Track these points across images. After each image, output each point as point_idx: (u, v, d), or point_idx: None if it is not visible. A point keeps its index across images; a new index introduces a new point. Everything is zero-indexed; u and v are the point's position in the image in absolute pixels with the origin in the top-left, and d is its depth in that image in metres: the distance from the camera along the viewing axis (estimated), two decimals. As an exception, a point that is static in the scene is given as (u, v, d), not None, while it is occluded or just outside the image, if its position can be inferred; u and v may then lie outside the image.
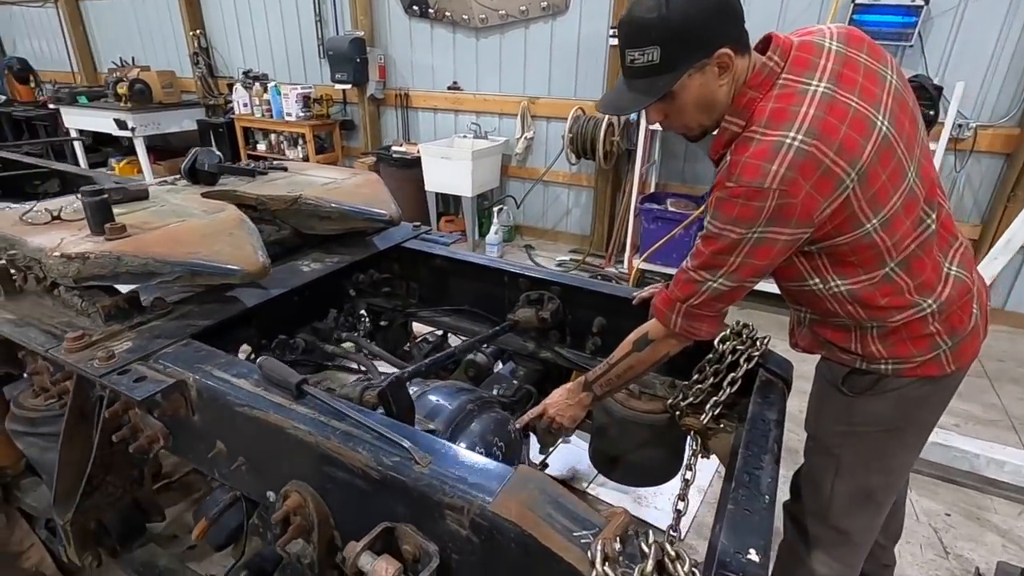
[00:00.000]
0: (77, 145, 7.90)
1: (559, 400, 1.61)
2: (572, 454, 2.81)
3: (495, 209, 5.65)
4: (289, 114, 6.42)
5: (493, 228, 5.49)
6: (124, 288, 1.54)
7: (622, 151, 5.05)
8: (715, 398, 1.61)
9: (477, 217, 5.76)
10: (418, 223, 2.33)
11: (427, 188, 5.63)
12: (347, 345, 1.94)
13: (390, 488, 1.03)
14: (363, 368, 1.79)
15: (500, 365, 2.26)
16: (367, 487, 1.07)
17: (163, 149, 8.06)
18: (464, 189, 5.41)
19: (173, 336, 1.42)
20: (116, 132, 7.09)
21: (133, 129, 6.95)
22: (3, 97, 8.89)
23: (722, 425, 1.65)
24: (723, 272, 1.22)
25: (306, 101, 6.37)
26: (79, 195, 1.42)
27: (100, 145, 8.52)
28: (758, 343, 1.64)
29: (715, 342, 1.64)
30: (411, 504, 1.01)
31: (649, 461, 1.85)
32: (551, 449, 2.71)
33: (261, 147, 7.01)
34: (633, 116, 4.67)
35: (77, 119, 7.56)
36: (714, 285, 1.24)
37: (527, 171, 5.86)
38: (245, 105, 6.78)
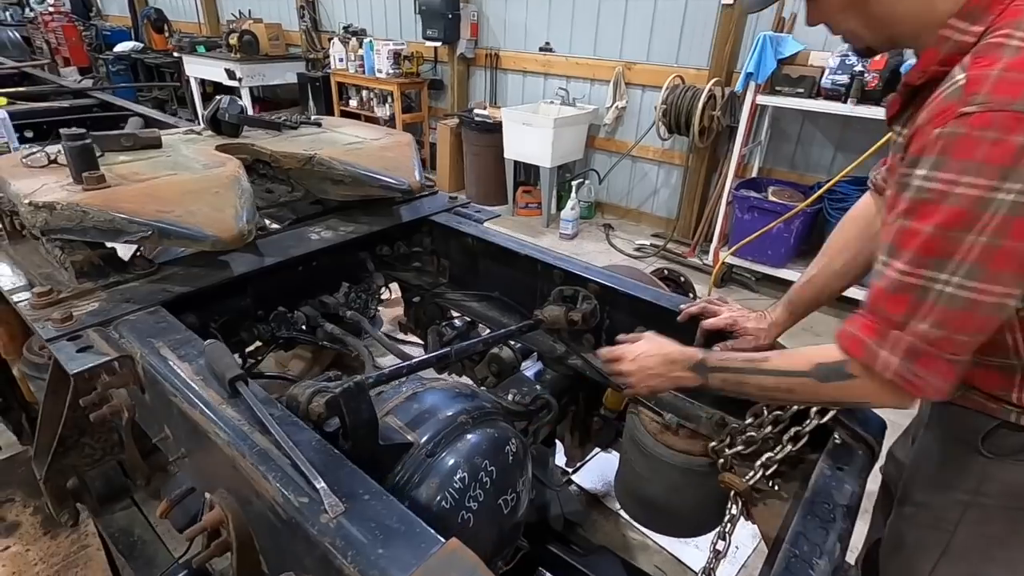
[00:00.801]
0: (196, 92, 8.44)
1: (650, 360, 1.17)
2: (608, 465, 2.51)
3: (575, 183, 5.28)
4: (380, 71, 6.36)
5: (570, 203, 5.14)
6: (122, 245, 1.44)
7: (722, 128, 4.47)
8: (769, 454, 1.25)
9: (556, 190, 5.43)
10: (455, 195, 2.09)
11: (506, 155, 5.37)
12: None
13: (295, 534, 0.82)
14: (356, 354, 1.60)
15: (531, 363, 1.99)
16: (277, 523, 0.87)
17: (270, 100, 8.41)
18: (543, 159, 5.09)
19: (144, 301, 1.29)
20: (226, 81, 7.44)
21: (240, 79, 7.24)
22: (140, 45, 9.69)
23: (774, 487, 1.29)
24: (958, 263, 0.75)
25: (396, 58, 6.27)
26: (63, 138, 1.30)
27: (219, 94, 9.07)
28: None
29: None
30: (314, 561, 0.80)
31: (679, 509, 1.53)
32: (579, 464, 2.46)
33: (353, 103, 7.06)
34: (739, 86, 4.08)
35: (195, 67, 8.03)
36: (948, 291, 0.77)
37: (615, 144, 5.40)
38: (341, 60, 6.81)
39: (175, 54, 8.43)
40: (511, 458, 1.37)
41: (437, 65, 6.50)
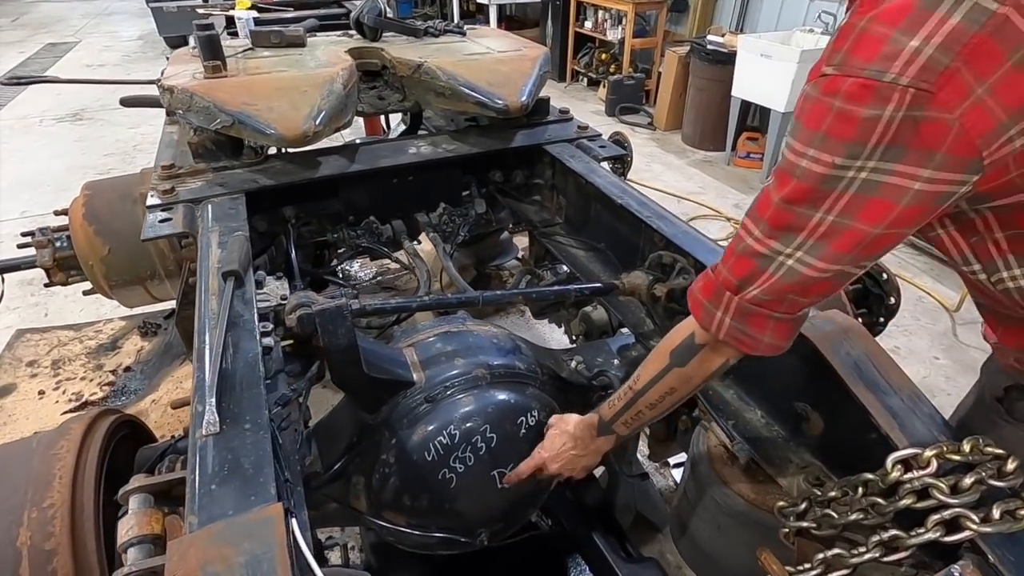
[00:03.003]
0: (456, 7, 8.99)
1: (563, 451, 1.13)
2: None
3: (813, 134, 4.31)
4: (618, -12, 5.89)
5: (800, 158, 4.23)
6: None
7: None
8: (840, 552, 0.86)
9: (787, 140, 4.51)
10: (586, 125, 1.82)
11: (734, 93, 4.61)
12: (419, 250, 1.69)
13: (185, 434, 0.81)
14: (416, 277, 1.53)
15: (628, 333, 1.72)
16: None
17: (517, 19, 8.55)
18: (778, 100, 4.23)
19: (233, 187, 1.40)
20: (480, -1, 7.73)
21: (490, -5, 7.45)
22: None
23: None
24: (802, 239, 0.72)
25: (638, -26, 5.70)
26: (195, 29, 1.43)
27: (478, 12, 9.54)
28: (1007, 474, 0.77)
29: (899, 447, 0.83)
30: (170, 460, 0.78)
31: (727, 561, 1.19)
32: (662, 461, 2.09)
33: (588, 24, 6.74)
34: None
35: (451, -17, 8.47)
36: (789, 264, 0.74)
37: (885, 89, 4.20)
38: (583, -24, 6.49)
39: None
40: (523, 431, 1.20)
41: (683, -18, 5.75)
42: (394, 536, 1.23)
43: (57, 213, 2.21)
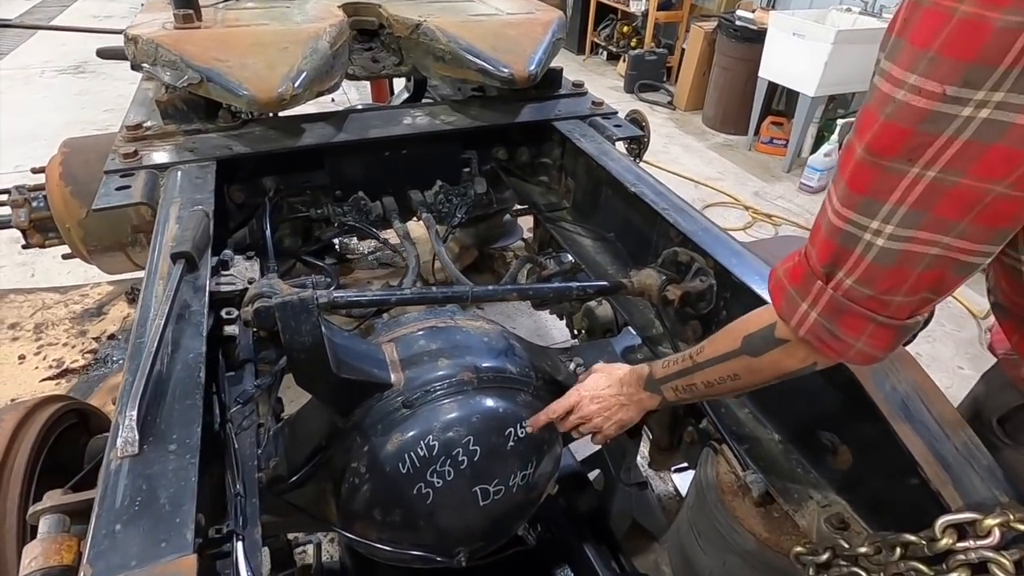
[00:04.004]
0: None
1: (606, 393, 1.01)
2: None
3: (843, 121, 4.08)
4: (646, -44, 5.59)
5: (828, 146, 4.02)
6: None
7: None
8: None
9: (815, 126, 4.29)
10: (601, 101, 1.65)
11: (760, 74, 4.36)
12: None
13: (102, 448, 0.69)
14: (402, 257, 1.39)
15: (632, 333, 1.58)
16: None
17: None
18: (807, 84, 3.99)
19: (204, 154, 1.26)
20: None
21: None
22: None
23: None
24: (892, 207, 0.54)
25: (667, -60, 5.39)
26: (167, -28, 1.27)
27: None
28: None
29: (951, 507, 0.70)
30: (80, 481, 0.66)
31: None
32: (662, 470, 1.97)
33: (611, -6, 6.43)
34: None
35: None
36: (879, 243, 0.56)
37: (923, 77, 3.95)
38: (609, -58, 6.16)
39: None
40: (511, 444, 1.08)
41: (715, -48, 5.44)
42: (364, 550, 1.12)
43: (34, 171, 2.08)
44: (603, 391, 1.01)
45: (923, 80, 0.48)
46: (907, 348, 0.94)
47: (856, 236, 0.57)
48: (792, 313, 0.67)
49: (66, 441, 1.07)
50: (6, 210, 2.10)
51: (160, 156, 1.24)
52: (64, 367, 2.39)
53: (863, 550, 0.78)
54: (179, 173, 1.20)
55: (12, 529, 0.83)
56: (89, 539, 0.56)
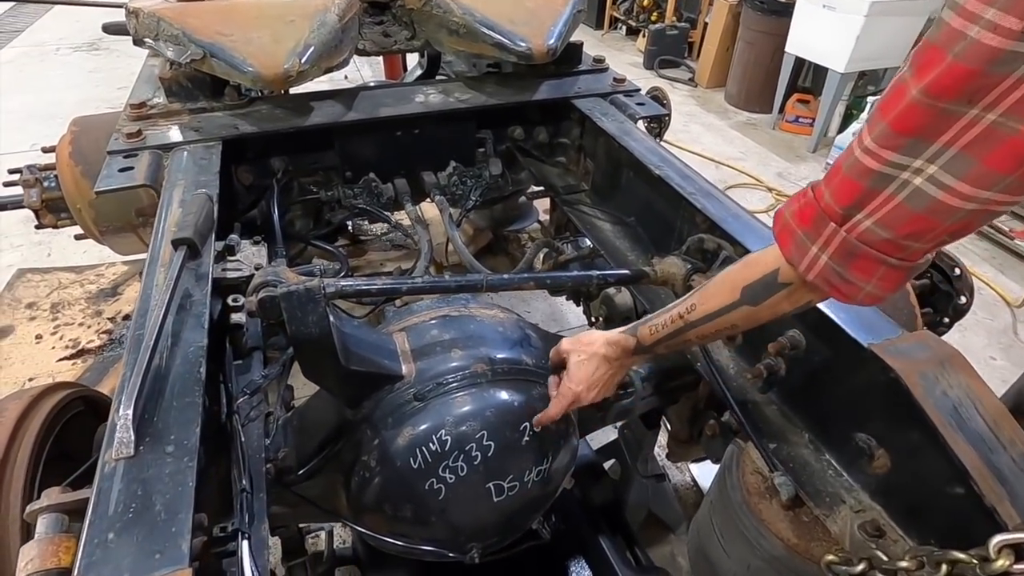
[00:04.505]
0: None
1: (597, 377, 0.98)
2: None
3: (872, 99, 3.91)
4: (669, -75, 5.36)
5: (854, 127, 3.86)
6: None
7: None
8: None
9: (843, 104, 4.12)
10: (623, 77, 1.57)
11: (787, 49, 4.19)
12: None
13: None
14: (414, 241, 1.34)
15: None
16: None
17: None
18: (837, 59, 3.82)
19: (209, 133, 1.22)
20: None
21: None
22: None
23: None
24: (940, 148, 0.50)
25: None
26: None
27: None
28: None
29: (1007, 524, 0.65)
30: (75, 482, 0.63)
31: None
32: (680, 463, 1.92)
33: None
34: None
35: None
36: (916, 183, 0.53)
37: (961, 52, 3.75)
38: (631, -89, 5.92)
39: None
40: (526, 438, 1.04)
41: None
42: (375, 543, 1.10)
43: (45, 150, 2.06)
44: (594, 378, 0.98)
45: (1001, 15, 0.43)
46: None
47: (891, 176, 0.54)
48: (801, 257, 0.65)
49: (74, 428, 1.05)
50: (20, 190, 2.10)
51: (164, 136, 1.20)
52: (80, 347, 2.39)
53: (904, 564, 0.73)
54: (184, 154, 1.16)
55: (16, 523, 0.81)
56: (81, 548, 0.53)
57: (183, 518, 0.54)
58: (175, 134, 1.20)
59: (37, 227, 2.14)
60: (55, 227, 2.15)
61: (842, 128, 4.12)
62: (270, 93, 1.29)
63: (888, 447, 0.86)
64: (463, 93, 1.44)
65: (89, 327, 2.51)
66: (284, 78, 1.11)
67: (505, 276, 1.03)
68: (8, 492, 0.84)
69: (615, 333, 0.97)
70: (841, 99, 4.07)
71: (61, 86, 4.80)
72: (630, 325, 0.96)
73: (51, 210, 2.10)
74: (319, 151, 1.41)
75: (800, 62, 4.25)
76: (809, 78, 4.55)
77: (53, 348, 2.40)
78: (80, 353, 2.37)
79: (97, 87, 4.79)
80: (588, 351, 0.98)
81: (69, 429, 1.04)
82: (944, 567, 0.68)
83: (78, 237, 2.15)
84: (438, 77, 2.06)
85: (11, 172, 2.05)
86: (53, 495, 0.69)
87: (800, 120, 4.46)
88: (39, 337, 2.45)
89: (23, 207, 2.09)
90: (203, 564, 0.65)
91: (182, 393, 0.67)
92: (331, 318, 0.90)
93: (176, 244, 0.85)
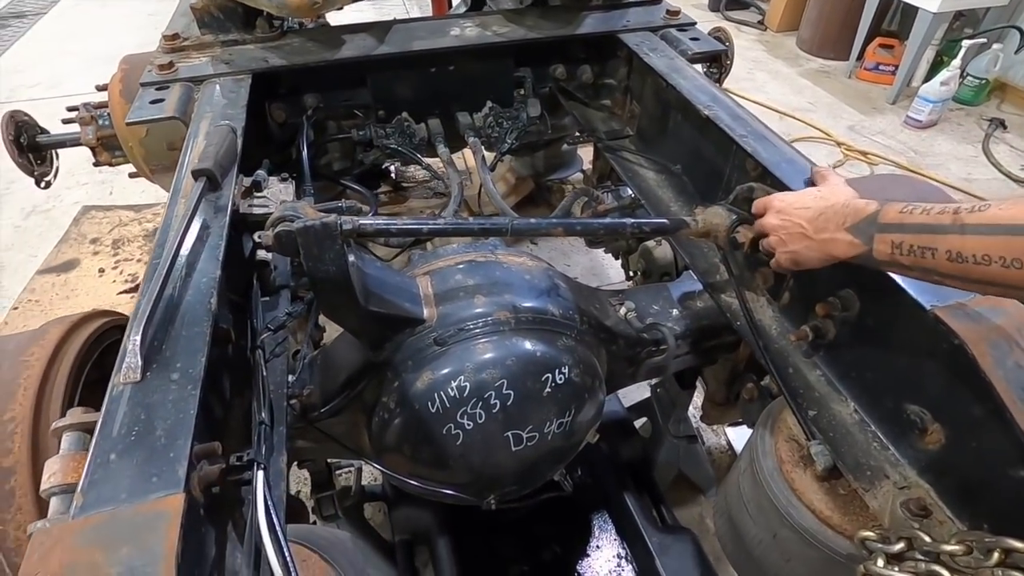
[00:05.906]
0: None
1: (792, 213, 0.84)
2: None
3: (970, 43, 3.49)
4: None
5: (947, 73, 3.48)
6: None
7: None
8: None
9: (932, 50, 3.71)
10: (678, 10, 1.43)
11: (873, -14, 3.77)
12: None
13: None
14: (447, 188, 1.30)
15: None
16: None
17: None
18: (930, -3, 3.42)
19: (239, 66, 1.20)
20: None
21: None
22: None
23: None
24: None
25: None
26: None
27: None
28: None
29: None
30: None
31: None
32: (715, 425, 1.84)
33: None
34: None
35: None
36: None
37: (1082, -13, 3.29)
38: None
39: None
40: (548, 389, 1.01)
41: None
42: (396, 483, 1.12)
43: (99, 88, 2.11)
44: (795, 209, 0.83)
45: None
46: None
47: None
48: None
49: (113, 354, 1.09)
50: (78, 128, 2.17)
51: (195, 69, 1.19)
52: (137, 281, 2.52)
53: (950, 548, 0.66)
54: (215, 87, 1.14)
55: (55, 440, 0.86)
56: (87, 465, 0.54)
57: (182, 444, 0.54)
58: (206, 67, 1.19)
59: (95, 164, 2.23)
60: (111, 165, 2.22)
61: (928, 77, 3.72)
62: (300, 24, 1.25)
63: (944, 421, 0.78)
64: (501, 27, 1.35)
65: (146, 263, 2.63)
66: (310, 4, 1.06)
67: (532, 220, 0.97)
68: (48, 408, 0.88)
69: (860, 199, 0.76)
70: (931, 43, 3.66)
71: (121, 29, 4.91)
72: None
73: (106, 148, 2.16)
74: (352, 88, 1.37)
75: (886, 2, 3.83)
76: (896, 20, 4.11)
77: (114, 282, 2.53)
78: (137, 287, 2.50)
79: (157, 29, 4.84)
80: (827, 188, 0.85)
81: (109, 354, 1.08)
82: (996, 554, 0.62)
83: (132, 175, 2.22)
84: (484, 11, 1.96)
85: (69, 110, 2.12)
86: (76, 414, 0.71)
87: (881, 68, 4.06)
88: (101, 271, 2.59)
89: (79, 144, 2.17)
90: (221, 489, 0.67)
91: (191, 323, 0.67)
92: (351, 257, 0.88)
93: (196, 175, 0.84)
